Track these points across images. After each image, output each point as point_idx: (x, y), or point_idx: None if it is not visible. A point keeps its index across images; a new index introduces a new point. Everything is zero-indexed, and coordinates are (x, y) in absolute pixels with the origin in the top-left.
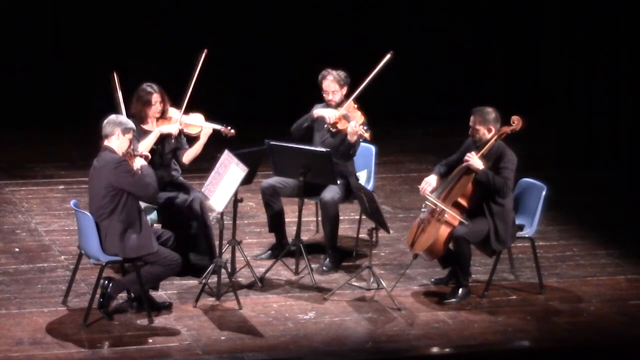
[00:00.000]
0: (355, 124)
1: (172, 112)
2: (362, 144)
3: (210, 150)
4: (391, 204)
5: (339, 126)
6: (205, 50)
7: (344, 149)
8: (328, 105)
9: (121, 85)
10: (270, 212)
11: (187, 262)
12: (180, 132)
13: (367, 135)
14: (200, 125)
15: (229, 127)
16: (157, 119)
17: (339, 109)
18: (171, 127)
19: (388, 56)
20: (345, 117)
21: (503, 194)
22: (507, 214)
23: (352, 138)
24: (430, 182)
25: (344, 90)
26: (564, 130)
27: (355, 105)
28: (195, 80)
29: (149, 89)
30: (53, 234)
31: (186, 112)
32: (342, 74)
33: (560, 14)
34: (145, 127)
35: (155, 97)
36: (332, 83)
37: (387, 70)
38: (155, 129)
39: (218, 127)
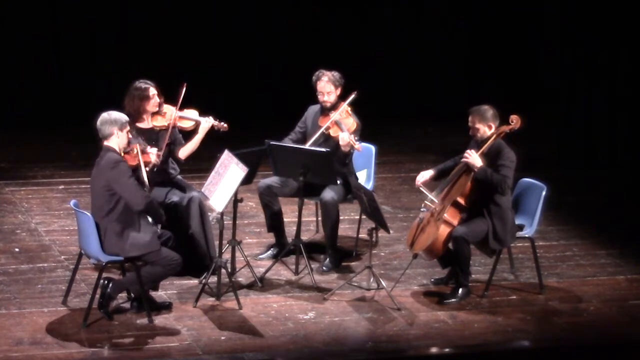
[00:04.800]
0: (347, 135)
1: (167, 107)
2: (361, 144)
3: (210, 150)
4: (391, 204)
5: (331, 133)
6: (185, 84)
7: (339, 155)
8: (322, 106)
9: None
10: (268, 212)
11: (187, 262)
12: (175, 127)
13: (357, 147)
14: (194, 119)
15: (222, 122)
16: (152, 115)
17: (332, 114)
18: (152, 157)
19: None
20: (338, 124)
21: (501, 191)
22: (505, 214)
23: (344, 149)
24: (424, 174)
25: (339, 91)
26: (564, 130)
27: (349, 109)
28: (179, 107)
29: (143, 84)
30: (53, 234)
31: (180, 109)
32: (336, 74)
33: (560, 14)
34: (140, 125)
35: (152, 90)
36: (327, 84)
37: (387, 70)
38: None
39: (211, 121)
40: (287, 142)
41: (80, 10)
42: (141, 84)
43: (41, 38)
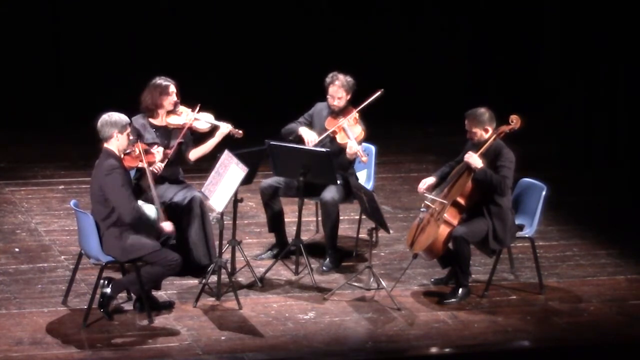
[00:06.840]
0: (355, 144)
1: (182, 108)
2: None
3: (211, 150)
4: (391, 204)
5: (338, 139)
6: (199, 105)
7: (342, 161)
8: (330, 109)
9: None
10: (269, 213)
11: (187, 262)
12: (189, 128)
13: (364, 159)
14: (211, 123)
15: (237, 129)
16: (168, 113)
17: (340, 118)
18: (156, 156)
19: (378, 93)
20: (346, 131)
21: (501, 192)
22: (505, 214)
23: (350, 157)
24: (426, 181)
25: (349, 96)
26: (564, 130)
27: (357, 116)
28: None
29: (164, 81)
30: (53, 234)
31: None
32: (350, 80)
33: (560, 14)
34: (154, 121)
35: (172, 88)
36: (339, 89)
37: (387, 70)
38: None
39: (230, 127)
40: (298, 126)
41: (80, 10)
42: (162, 80)
43: (41, 38)
